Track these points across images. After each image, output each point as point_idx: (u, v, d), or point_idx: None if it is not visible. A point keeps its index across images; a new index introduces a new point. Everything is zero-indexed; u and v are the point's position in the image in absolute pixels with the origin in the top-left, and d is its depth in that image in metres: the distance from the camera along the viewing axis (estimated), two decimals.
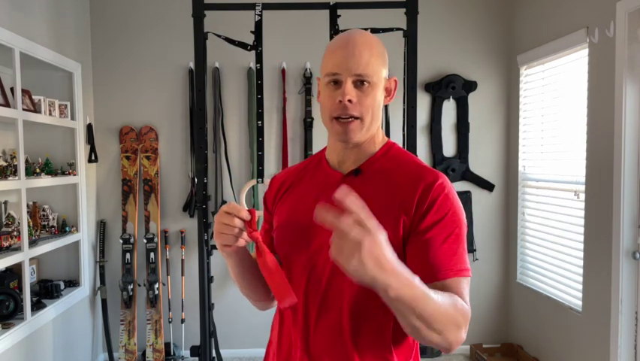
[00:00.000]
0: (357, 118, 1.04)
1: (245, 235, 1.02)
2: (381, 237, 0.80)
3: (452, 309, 0.93)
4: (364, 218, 0.79)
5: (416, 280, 0.87)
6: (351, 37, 1.05)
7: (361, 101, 1.03)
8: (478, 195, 3.78)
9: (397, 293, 0.84)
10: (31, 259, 2.87)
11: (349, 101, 1.02)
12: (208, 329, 2.73)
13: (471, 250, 3.77)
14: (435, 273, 0.98)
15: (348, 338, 1.04)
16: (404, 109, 2.67)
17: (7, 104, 2.56)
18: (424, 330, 0.91)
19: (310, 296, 1.07)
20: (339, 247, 0.79)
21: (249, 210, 1.02)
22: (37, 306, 2.84)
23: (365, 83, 1.03)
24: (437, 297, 0.91)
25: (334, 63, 1.04)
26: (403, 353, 1.07)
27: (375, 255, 0.79)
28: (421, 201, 1.02)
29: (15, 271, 2.83)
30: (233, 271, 1.14)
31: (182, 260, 3.66)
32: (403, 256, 1.01)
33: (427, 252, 0.99)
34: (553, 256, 3.24)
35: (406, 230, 1.02)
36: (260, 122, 2.74)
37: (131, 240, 3.54)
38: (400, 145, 3.08)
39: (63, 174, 3.22)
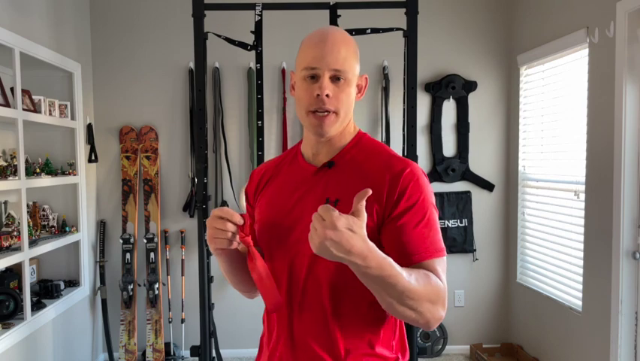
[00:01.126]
0: (333, 112, 1.08)
1: (237, 238, 1.05)
2: (342, 226, 0.88)
3: (426, 287, 0.98)
4: (325, 215, 0.89)
5: (387, 261, 0.93)
6: (330, 33, 1.08)
7: (337, 96, 1.07)
8: (478, 195, 3.78)
9: (365, 272, 0.92)
10: (31, 259, 2.87)
11: (327, 95, 1.06)
12: (208, 329, 2.73)
13: (471, 250, 3.77)
14: (409, 257, 1.03)
15: (330, 319, 1.09)
16: (404, 109, 2.67)
17: (7, 104, 2.56)
18: (397, 306, 0.97)
19: (293, 284, 1.11)
20: (310, 237, 0.91)
21: (241, 215, 1.04)
22: (37, 306, 2.84)
23: (341, 78, 1.07)
24: (410, 276, 0.96)
25: (313, 57, 1.06)
26: (385, 332, 1.12)
27: (337, 241, 0.88)
28: (391, 189, 1.06)
29: (15, 271, 2.83)
30: (223, 268, 1.18)
31: (182, 260, 3.66)
32: (378, 242, 1.05)
33: (401, 237, 1.04)
34: (553, 256, 3.24)
35: (379, 218, 1.06)
36: (260, 122, 2.74)
37: (131, 240, 3.54)
38: (400, 145, 3.07)
39: (63, 174, 3.22)
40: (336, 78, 1.07)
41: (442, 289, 1.02)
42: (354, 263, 0.91)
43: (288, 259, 1.11)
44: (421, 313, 0.98)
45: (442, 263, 1.05)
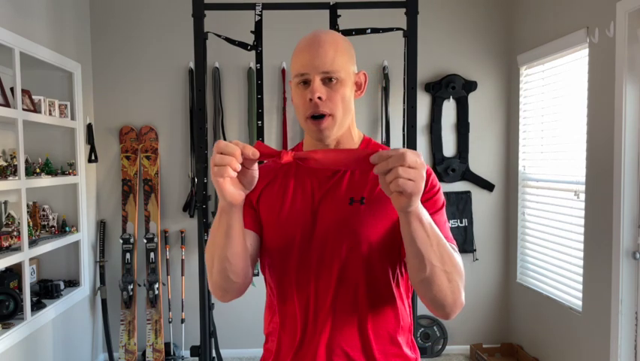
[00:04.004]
0: (329, 115, 1.07)
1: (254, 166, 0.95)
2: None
3: (455, 253, 1.01)
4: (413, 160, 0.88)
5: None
6: (316, 37, 1.09)
7: (331, 97, 1.06)
8: (478, 195, 3.78)
9: (424, 218, 0.93)
10: (31, 259, 2.87)
11: (319, 98, 1.05)
12: (208, 329, 2.73)
13: (471, 250, 3.77)
14: None
15: (363, 322, 1.08)
16: (404, 109, 2.67)
17: (7, 104, 2.56)
18: (438, 271, 0.96)
19: (320, 289, 1.08)
20: (400, 185, 0.88)
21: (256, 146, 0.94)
22: (37, 306, 2.84)
23: (333, 79, 1.06)
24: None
25: (301, 64, 1.07)
26: (403, 332, 1.13)
27: (419, 189, 0.89)
28: None
29: (15, 271, 2.83)
30: (225, 234, 0.99)
31: (182, 260, 3.66)
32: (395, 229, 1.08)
33: None
34: (553, 256, 3.24)
35: None
36: (260, 122, 2.74)
37: (131, 240, 3.54)
38: (400, 145, 3.07)
39: (63, 174, 3.22)
40: (327, 80, 1.06)
41: (462, 267, 1.03)
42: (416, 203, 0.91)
43: (315, 261, 1.09)
44: (453, 288, 0.98)
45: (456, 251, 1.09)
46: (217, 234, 1.01)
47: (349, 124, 1.14)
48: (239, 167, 0.92)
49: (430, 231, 0.94)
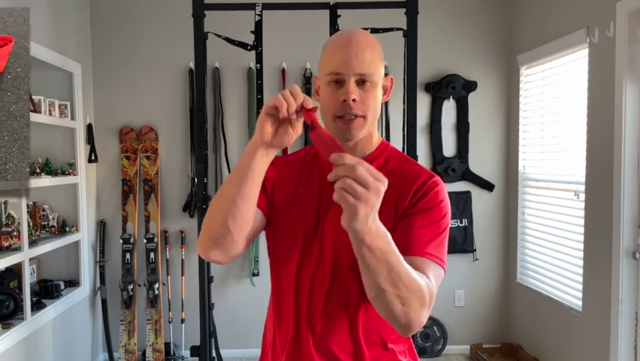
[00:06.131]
0: (360, 116, 1.06)
1: (294, 114, 0.93)
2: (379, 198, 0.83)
3: (419, 280, 0.93)
4: (367, 177, 0.81)
5: (391, 238, 0.89)
6: (353, 36, 1.06)
7: (364, 99, 1.05)
8: (478, 195, 3.78)
9: (372, 243, 0.85)
10: (31, 259, 2.87)
11: (353, 100, 1.03)
12: (208, 329, 2.73)
13: (471, 250, 3.77)
14: (409, 247, 1.00)
15: (356, 324, 1.07)
16: (404, 109, 2.67)
17: None
18: (389, 295, 0.90)
19: (315, 290, 1.09)
20: (341, 197, 0.82)
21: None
22: (37, 306, 2.84)
23: (367, 82, 1.04)
24: (407, 265, 0.92)
25: (338, 63, 1.04)
26: (400, 338, 1.12)
27: (367, 214, 0.82)
28: (415, 193, 1.07)
29: (15, 271, 2.83)
30: (243, 173, 0.97)
31: (182, 260, 3.66)
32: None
33: (407, 229, 1.03)
34: (553, 256, 3.24)
35: (398, 218, 1.06)
36: None
37: (131, 240, 3.54)
38: (400, 145, 3.07)
39: (63, 174, 3.21)
40: (361, 82, 1.04)
41: (432, 291, 0.97)
42: (367, 231, 0.85)
43: (313, 264, 1.09)
44: (407, 311, 0.92)
45: (437, 271, 1.01)
46: (234, 173, 0.99)
47: (374, 127, 1.13)
48: (293, 114, 0.91)
49: (382, 257, 0.87)
